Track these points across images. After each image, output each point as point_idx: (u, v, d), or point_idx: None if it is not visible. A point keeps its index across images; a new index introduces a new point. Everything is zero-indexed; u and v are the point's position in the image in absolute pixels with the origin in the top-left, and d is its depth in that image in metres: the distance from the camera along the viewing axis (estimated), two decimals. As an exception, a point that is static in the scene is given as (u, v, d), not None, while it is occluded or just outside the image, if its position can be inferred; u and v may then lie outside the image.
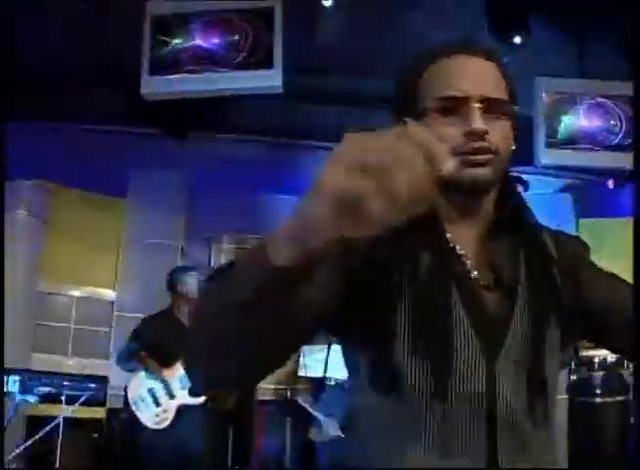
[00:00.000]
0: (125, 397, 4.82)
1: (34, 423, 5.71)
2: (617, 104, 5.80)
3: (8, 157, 3.06)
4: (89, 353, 7.20)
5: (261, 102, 5.96)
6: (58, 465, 5.58)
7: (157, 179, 7.33)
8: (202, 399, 4.74)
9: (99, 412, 6.17)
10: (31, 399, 5.56)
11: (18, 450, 5.37)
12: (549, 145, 5.78)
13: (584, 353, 5.30)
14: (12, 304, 5.70)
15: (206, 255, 7.90)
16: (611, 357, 5.26)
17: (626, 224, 7.67)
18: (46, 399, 5.79)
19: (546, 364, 1.24)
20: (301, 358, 6.26)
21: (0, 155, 2.99)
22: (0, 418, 4.25)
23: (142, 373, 4.76)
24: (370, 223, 0.82)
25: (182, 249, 7.61)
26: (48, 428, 5.50)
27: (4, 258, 3.13)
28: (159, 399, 4.70)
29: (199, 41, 5.26)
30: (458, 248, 1.28)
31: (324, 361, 5.09)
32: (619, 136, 5.79)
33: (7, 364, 4.59)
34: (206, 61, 5.25)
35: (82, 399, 5.66)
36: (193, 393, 4.48)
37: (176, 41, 5.22)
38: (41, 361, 6.70)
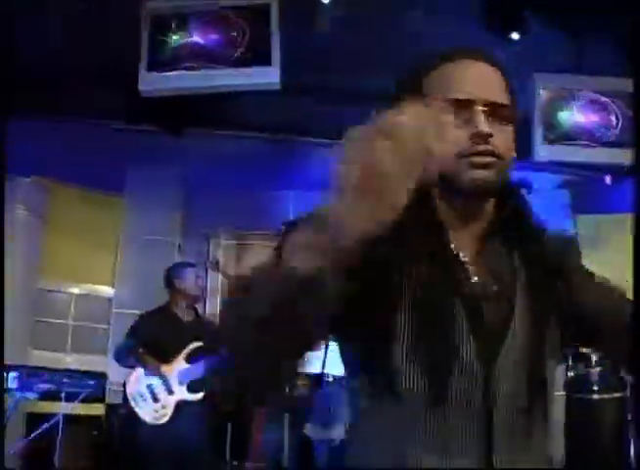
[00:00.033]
0: (124, 393, 4.83)
1: (34, 420, 5.72)
2: (615, 100, 5.81)
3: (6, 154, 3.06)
4: (88, 350, 7.22)
5: (259, 98, 5.96)
6: (58, 462, 5.59)
7: (154, 176, 7.35)
8: (200, 395, 4.75)
9: (98, 409, 6.18)
10: (31, 395, 5.57)
11: (18, 447, 5.38)
12: (546, 141, 5.79)
13: (582, 350, 5.32)
14: (10, 301, 5.71)
15: (204, 251, 7.92)
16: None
17: (624, 220, 7.68)
18: (46, 395, 5.80)
19: (546, 365, 1.26)
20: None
21: (0, 154, 2.99)
22: (0, 416, 4.25)
23: (140, 369, 4.77)
24: (393, 196, 0.90)
25: (179, 245, 7.62)
26: (48, 425, 5.50)
27: (4, 256, 3.13)
28: (157, 394, 4.71)
29: (196, 38, 5.26)
30: (461, 255, 1.29)
31: (322, 358, 5.10)
32: (617, 132, 5.80)
33: (5, 361, 4.59)
34: (204, 57, 5.25)
35: (82, 396, 5.67)
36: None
37: (174, 38, 5.22)
38: (40, 358, 6.71)
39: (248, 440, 6.36)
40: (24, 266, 6.71)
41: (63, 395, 5.70)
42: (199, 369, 4.73)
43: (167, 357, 4.77)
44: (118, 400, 5.36)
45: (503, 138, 1.26)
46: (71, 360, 7.08)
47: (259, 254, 7.82)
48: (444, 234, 1.28)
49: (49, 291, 7.26)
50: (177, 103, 5.84)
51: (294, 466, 6.26)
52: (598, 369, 5.35)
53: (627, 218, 7.22)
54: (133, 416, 4.71)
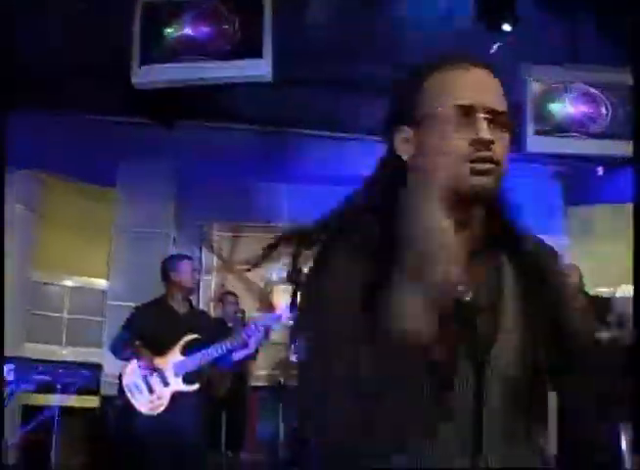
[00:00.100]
0: (120, 384, 4.85)
1: (30, 412, 5.74)
2: (605, 92, 5.84)
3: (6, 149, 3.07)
4: (83, 343, 7.24)
5: (251, 91, 5.97)
6: (54, 453, 5.63)
7: (147, 168, 7.35)
8: (195, 386, 4.78)
9: (93, 401, 6.20)
10: (27, 387, 5.59)
11: (14, 440, 5.40)
12: (537, 132, 5.81)
13: None
14: (5, 294, 5.72)
15: (197, 243, 7.94)
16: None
17: (615, 211, 7.77)
18: (41, 388, 5.83)
19: (534, 378, 1.28)
20: (294, 345, 6.31)
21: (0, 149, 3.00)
22: (0, 410, 4.27)
23: (136, 361, 4.79)
24: None
25: (174, 238, 7.64)
26: (43, 417, 5.53)
27: (3, 250, 3.14)
28: (152, 386, 4.73)
29: (189, 30, 5.26)
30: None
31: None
32: (608, 124, 5.83)
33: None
34: (197, 50, 5.25)
35: (77, 387, 5.70)
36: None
37: (167, 31, 5.22)
38: (35, 351, 6.73)
39: (243, 431, 6.40)
40: (19, 259, 6.71)
41: (58, 387, 5.72)
42: (194, 361, 4.76)
43: (163, 349, 4.79)
44: (113, 392, 5.38)
45: (502, 145, 1.27)
46: (66, 353, 7.10)
47: (253, 245, 7.85)
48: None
49: (44, 284, 7.27)
50: (169, 95, 5.84)
51: (289, 456, 6.31)
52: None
53: (619, 209, 7.28)
54: (129, 407, 4.73)
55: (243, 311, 6.47)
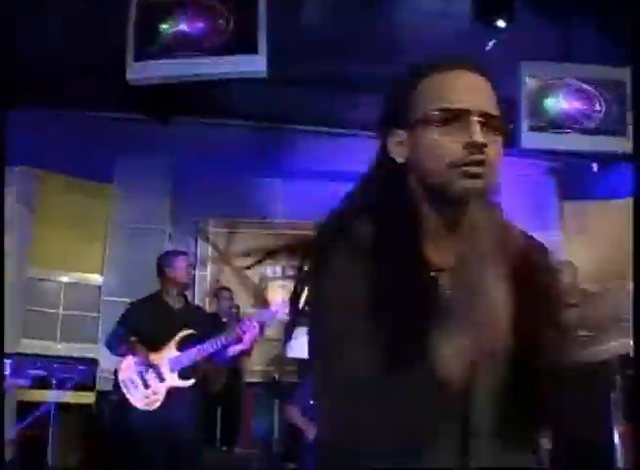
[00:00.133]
0: (115, 379, 4.86)
1: (26, 408, 5.75)
2: (599, 88, 5.86)
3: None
4: (78, 338, 7.24)
5: (246, 86, 5.98)
6: (50, 449, 5.63)
7: (143, 164, 7.35)
8: (191, 382, 4.80)
9: (89, 397, 6.21)
10: (22, 382, 5.60)
11: (9, 435, 5.40)
12: (532, 128, 5.83)
13: None
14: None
15: (193, 239, 7.94)
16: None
17: (610, 207, 7.79)
18: (37, 383, 5.83)
19: (529, 378, 1.27)
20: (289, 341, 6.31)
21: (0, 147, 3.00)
22: (0, 404, 4.27)
23: (131, 357, 4.80)
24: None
25: (170, 234, 7.65)
26: (39, 413, 5.54)
27: (3, 246, 3.15)
28: (148, 381, 4.75)
29: (184, 26, 5.26)
30: (436, 269, 1.31)
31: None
32: (602, 120, 5.86)
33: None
34: (192, 46, 5.26)
35: (73, 382, 5.71)
36: None
37: (162, 27, 5.22)
38: (30, 347, 6.73)
39: (238, 426, 6.42)
40: (15, 256, 6.70)
41: (54, 381, 5.73)
42: (189, 356, 4.77)
43: (158, 345, 4.80)
44: (109, 388, 5.39)
45: (495, 149, 1.28)
46: (61, 348, 7.10)
47: (248, 241, 7.87)
48: (421, 241, 1.31)
49: (39, 280, 7.27)
50: (165, 91, 5.85)
51: (283, 451, 6.33)
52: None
53: (613, 205, 7.31)
54: (124, 403, 4.75)
55: (237, 307, 6.48)
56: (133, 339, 4.83)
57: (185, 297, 5.17)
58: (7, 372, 5.49)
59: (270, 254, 1.40)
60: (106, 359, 5.87)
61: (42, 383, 5.92)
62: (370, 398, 1.21)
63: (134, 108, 6.34)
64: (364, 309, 1.24)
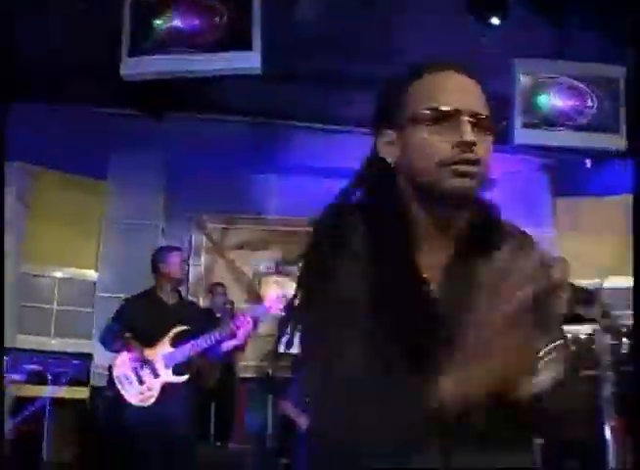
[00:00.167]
0: (110, 375, 4.87)
1: (21, 403, 5.75)
2: (592, 85, 5.89)
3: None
4: (72, 334, 7.25)
5: (241, 82, 5.97)
6: (45, 444, 5.64)
7: (137, 160, 7.36)
8: (185, 377, 4.81)
9: (84, 392, 6.22)
10: (18, 377, 5.61)
11: (4, 431, 5.41)
12: (525, 125, 5.85)
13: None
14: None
15: (187, 234, 7.95)
16: (583, 335, 5.38)
17: (603, 203, 7.83)
18: (32, 379, 5.84)
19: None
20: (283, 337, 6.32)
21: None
22: (1, 401, 4.28)
23: (126, 353, 4.81)
24: None
25: (163, 229, 7.65)
26: (34, 408, 5.55)
27: (3, 245, 3.15)
28: (142, 377, 4.76)
29: (178, 22, 5.26)
30: (426, 270, 1.32)
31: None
32: (594, 117, 5.88)
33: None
34: (185, 42, 5.25)
35: (68, 378, 5.72)
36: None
37: (156, 22, 5.22)
38: (25, 342, 6.73)
39: (231, 421, 6.44)
40: (11, 252, 6.69)
41: (49, 377, 5.73)
42: (183, 352, 4.78)
43: (153, 341, 4.81)
44: (104, 384, 5.40)
45: (485, 148, 1.30)
46: (56, 344, 7.10)
47: (243, 237, 7.87)
48: (411, 242, 1.33)
49: (34, 275, 7.26)
50: (159, 87, 5.84)
51: (277, 447, 6.35)
52: (572, 348, 5.43)
53: (606, 201, 7.33)
54: (119, 399, 4.75)
55: (232, 302, 6.50)
56: (127, 335, 4.84)
57: (179, 292, 5.18)
58: (3, 368, 5.49)
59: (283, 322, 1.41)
60: (100, 355, 5.87)
61: (37, 378, 5.93)
62: (367, 398, 1.23)
63: (129, 104, 6.33)
64: (359, 310, 1.26)
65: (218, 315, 6.04)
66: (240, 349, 5.49)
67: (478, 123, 1.30)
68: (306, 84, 6.47)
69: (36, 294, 7.24)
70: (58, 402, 5.85)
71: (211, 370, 5.41)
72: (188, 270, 7.09)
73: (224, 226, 8.09)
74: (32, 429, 5.69)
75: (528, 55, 5.86)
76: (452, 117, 1.29)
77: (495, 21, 5.49)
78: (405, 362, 1.23)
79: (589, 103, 5.85)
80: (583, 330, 5.28)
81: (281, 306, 4.84)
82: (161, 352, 4.80)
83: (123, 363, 4.81)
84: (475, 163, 1.28)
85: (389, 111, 1.37)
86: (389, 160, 1.36)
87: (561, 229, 7.78)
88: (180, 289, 5.28)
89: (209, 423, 6.12)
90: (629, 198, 7.81)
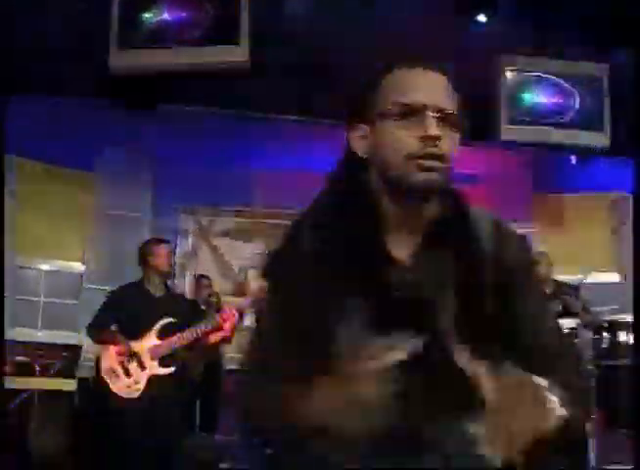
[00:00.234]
0: (97, 367, 4.89)
1: (7, 395, 5.76)
2: (576, 83, 5.95)
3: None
4: (59, 326, 7.25)
5: (229, 76, 5.98)
6: (31, 436, 5.66)
7: (125, 152, 7.37)
8: (171, 370, 4.83)
9: (71, 384, 6.23)
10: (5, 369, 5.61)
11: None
12: (511, 121, 5.91)
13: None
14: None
15: (175, 227, 7.97)
16: (565, 329, 5.45)
17: (587, 199, 7.90)
18: (19, 370, 5.85)
19: (471, 368, 1.30)
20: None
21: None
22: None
23: (113, 346, 4.83)
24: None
25: (151, 222, 7.66)
26: (19, 400, 5.56)
27: (3, 239, 3.15)
28: (129, 370, 4.78)
29: (166, 16, 5.28)
30: (396, 255, 1.36)
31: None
32: (578, 114, 5.95)
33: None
34: (174, 35, 5.28)
35: (55, 369, 5.72)
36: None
37: (145, 16, 5.24)
38: (12, 334, 6.72)
39: (217, 413, 6.47)
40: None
41: (37, 369, 5.75)
42: (170, 344, 4.80)
43: (139, 333, 4.83)
44: (90, 375, 5.42)
45: (449, 143, 1.34)
46: (42, 336, 7.10)
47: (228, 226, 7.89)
48: (380, 233, 1.37)
49: (20, 268, 7.26)
50: (148, 79, 5.85)
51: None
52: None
53: (591, 198, 7.37)
54: (106, 391, 4.77)
55: (217, 295, 6.51)
56: (114, 328, 4.86)
57: (166, 284, 5.20)
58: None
59: None
60: (87, 347, 5.89)
61: (24, 370, 5.93)
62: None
63: (117, 95, 6.33)
64: (324, 307, 1.32)
65: (203, 308, 6.06)
66: (226, 341, 5.51)
67: (444, 119, 1.33)
68: (293, 78, 6.49)
69: (23, 286, 7.23)
70: (45, 394, 5.86)
71: (197, 362, 5.44)
72: (175, 262, 7.10)
73: (211, 218, 8.13)
74: (18, 421, 5.69)
75: (513, 52, 5.92)
76: (419, 112, 1.33)
77: (482, 18, 5.54)
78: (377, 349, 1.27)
79: (573, 100, 5.92)
80: (566, 324, 5.34)
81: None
82: (148, 344, 4.82)
83: (110, 356, 4.82)
84: (439, 157, 1.32)
85: (362, 106, 1.41)
86: (361, 154, 1.40)
87: (544, 225, 7.84)
88: (167, 281, 5.30)
89: (195, 415, 6.15)
90: (612, 195, 7.95)
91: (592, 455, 4.92)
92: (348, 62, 5.96)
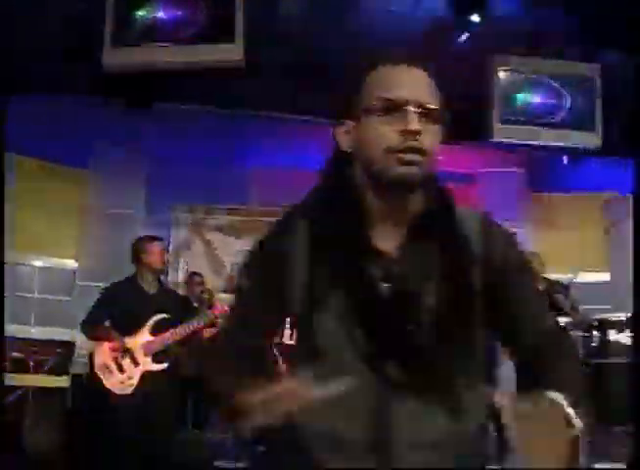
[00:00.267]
0: (91, 363, 4.90)
1: (2, 392, 5.77)
2: (567, 83, 5.98)
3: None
4: (52, 322, 7.25)
5: (224, 74, 6.00)
6: (25, 433, 5.66)
7: (119, 150, 7.38)
8: (164, 366, 4.85)
9: (64, 381, 6.24)
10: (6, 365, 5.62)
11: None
12: (503, 121, 5.94)
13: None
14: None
15: (168, 224, 7.98)
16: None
17: (579, 199, 7.94)
18: (13, 367, 5.85)
19: (455, 362, 1.36)
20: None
21: None
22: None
23: (106, 342, 4.84)
24: None
25: (144, 219, 7.67)
26: (13, 397, 5.56)
27: (4, 236, 3.15)
28: (122, 366, 4.79)
29: (161, 14, 5.29)
30: (381, 246, 1.40)
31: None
32: (570, 115, 5.98)
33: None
34: (168, 34, 5.29)
35: (49, 366, 5.73)
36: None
37: (139, 14, 5.25)
38: (6, 330, 6.72)
39: (209, 409, 6.48)
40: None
41: (31, 365, 5.75)
42: (163, 340, 4.82)
43: (133, 329, 4.85)
44: (84, 371, 5.44)
45: (431, 138, 1.37)
46: (36, 332, 7.11)
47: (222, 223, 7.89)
48: (365, 227, 1.41)
49: (15, 264, 7.26)
50: (143, 78, 5.86)
51: (255, 435, 6.39)
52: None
53: (583, 197, 7.40)
54: (99, 387, 4.79)
55: (210, 292, 6.52)
56: (107, 324, 4.88)
57: (160, 281, 5.22)
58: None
59: None
60: (81, 343, 5.90)
61: (18, 367, 5.94)
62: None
63: (112, 93, 6.34)
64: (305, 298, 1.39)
65: (195, 305, 6.08)
66: (218, 337, 5.52)
67: (427, 115, 1.36)
68: (288, 76, 6.52)
69: (16, 283, 7.23)
70: (39, 391, 5.87)
71: (190, 359, 5.46)
72: (168, 260, 7.11)
73: (204, 216, 8.15)
74: (13, 418, 5.70)
75: (507, 52, 5.94)
76: (401, 107, 1.36)
77: (476, 18, 5.56)
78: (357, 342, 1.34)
79: (565, 100, 5.95)
80: (557, 323, 5.36)
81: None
82: (141, 340, 4.84)
83: (103, 352, 4.84)
84: (419, 151, 1.35)
85: (347, 102, 1.44)
86: (346, 148, 1.44)
87: (536, 225, 7.87)
88: (161, 278, 5.31)
89: (187, 411, 6.16)
90: (604, 195, 7.99)
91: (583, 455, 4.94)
92: (343, 61, 5.99)
